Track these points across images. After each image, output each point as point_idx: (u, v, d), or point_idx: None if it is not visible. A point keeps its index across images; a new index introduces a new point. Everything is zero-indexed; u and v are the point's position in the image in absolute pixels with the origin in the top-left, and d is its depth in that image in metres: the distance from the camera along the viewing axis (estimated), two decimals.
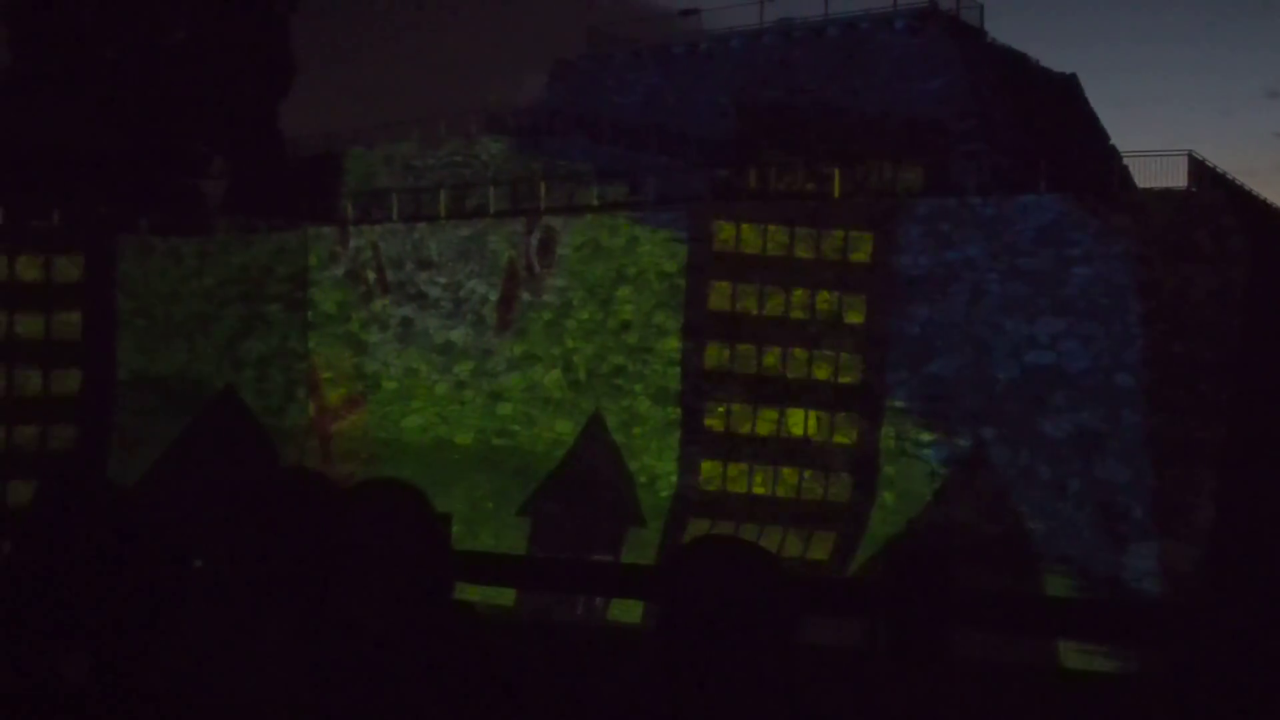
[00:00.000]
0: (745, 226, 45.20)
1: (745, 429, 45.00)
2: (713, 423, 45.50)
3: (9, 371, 52.79)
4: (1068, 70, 57.23)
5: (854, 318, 43.42)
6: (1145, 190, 41.29)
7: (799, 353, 44.22)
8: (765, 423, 44.75)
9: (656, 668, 3.81)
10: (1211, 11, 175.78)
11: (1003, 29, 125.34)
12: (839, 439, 43.63)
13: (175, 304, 55.79)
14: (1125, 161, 45.52)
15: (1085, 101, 56.81)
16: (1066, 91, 55.93)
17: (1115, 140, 54.67)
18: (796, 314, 44.39)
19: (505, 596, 37.54)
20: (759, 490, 44.55)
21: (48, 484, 4.11)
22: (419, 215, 56.58)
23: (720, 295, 45.58)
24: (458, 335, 51.96)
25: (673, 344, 46.28)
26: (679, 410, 45.88)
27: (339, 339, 55.06)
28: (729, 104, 54.25)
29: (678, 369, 46.01)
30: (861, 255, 43.38)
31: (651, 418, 46.32)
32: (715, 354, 45.63)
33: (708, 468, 45.40)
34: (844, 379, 43.48)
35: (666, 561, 3.92)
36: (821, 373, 43.78)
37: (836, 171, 46.49)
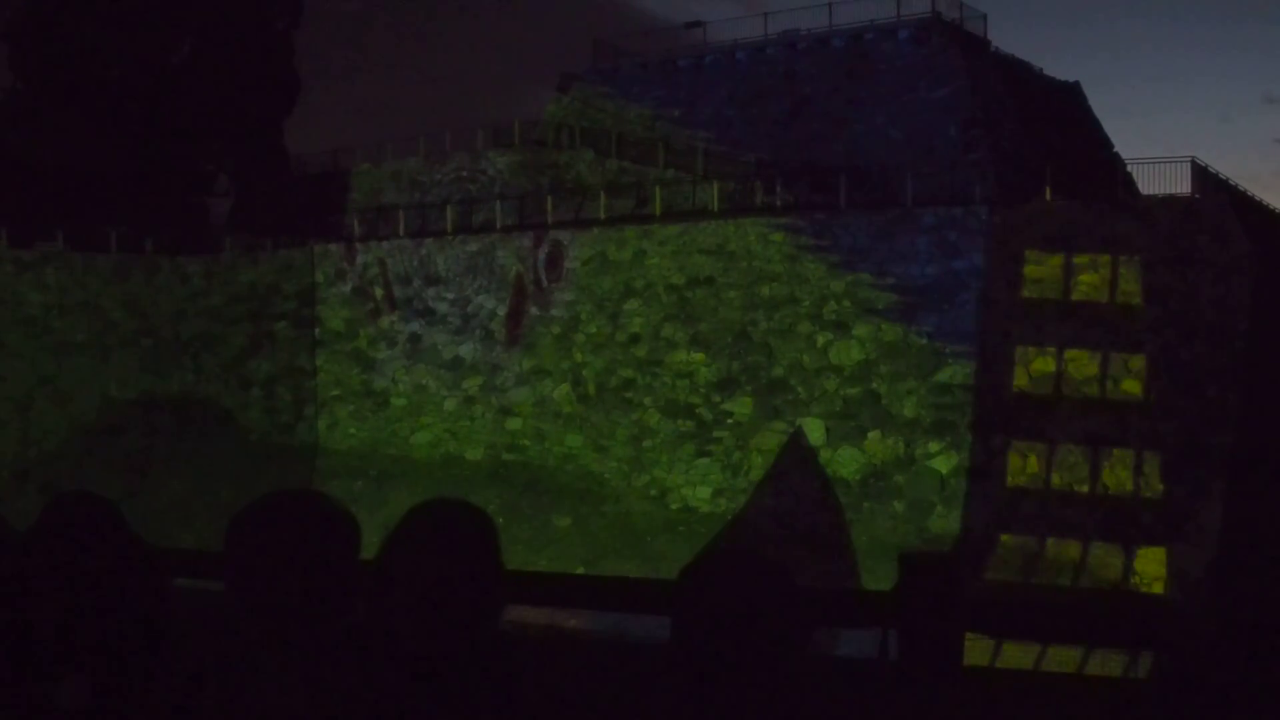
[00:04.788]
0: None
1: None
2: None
3: None
4: (1070, 79, 57.36)
5: None
6: (1149, 197, 41.24)
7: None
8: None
9: (670, 681, 3.87)
10: (1210, 19, 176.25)
11: (1006, 38, 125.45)
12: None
13: (182, 323, 55.80)
14: (1129, 169, 45.52)
15: (1088, 109, 56.89)
16: (1069, 100, 56.01)
17: (1119, 148, 54.74)
18: None
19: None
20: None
21: (47, 507, 4.08)
22: (426, 231, 56.67)
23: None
24: (466, 350, 52.03)
25: (681, 356, 46.20)
26: (691, 423, 45.67)
27: (347, 356, 55.14)
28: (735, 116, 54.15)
29: (687, 381, 45.90)
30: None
31: (662, 430, 46.22)
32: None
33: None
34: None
35: (682, 576, 3.89)
36: None
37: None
